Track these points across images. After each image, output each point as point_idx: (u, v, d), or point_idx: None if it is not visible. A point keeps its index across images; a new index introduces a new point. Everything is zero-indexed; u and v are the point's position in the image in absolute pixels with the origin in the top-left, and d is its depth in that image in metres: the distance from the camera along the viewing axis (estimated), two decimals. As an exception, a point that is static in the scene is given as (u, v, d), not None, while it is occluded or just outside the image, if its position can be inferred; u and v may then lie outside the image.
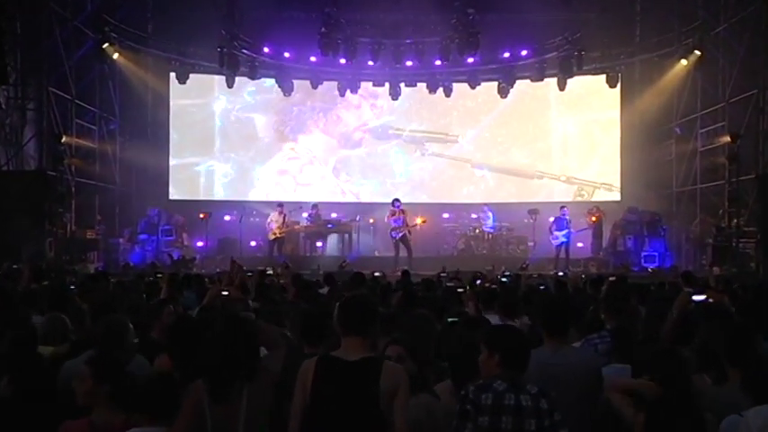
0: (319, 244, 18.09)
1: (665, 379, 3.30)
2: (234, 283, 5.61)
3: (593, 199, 18.75)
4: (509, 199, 19.45)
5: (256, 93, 19.98)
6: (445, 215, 19.41)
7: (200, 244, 17.93)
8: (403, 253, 16.19)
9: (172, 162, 19.31)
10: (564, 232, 16.18)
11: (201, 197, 19.44)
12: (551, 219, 16.60)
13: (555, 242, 16.23)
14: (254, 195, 19.45)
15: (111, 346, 3.68)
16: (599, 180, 19.42)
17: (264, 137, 20.12)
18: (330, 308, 4.76)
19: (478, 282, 8.77)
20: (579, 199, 19.00)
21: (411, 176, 20.28)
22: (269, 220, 16.72)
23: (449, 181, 20.19)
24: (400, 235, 16.06)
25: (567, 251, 16.22)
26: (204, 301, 5.77)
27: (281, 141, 20.18)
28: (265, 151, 20.11)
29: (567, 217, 16.34)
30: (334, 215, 18.71)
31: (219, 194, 19.81)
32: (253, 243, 18.06)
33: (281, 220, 16.58)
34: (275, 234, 16.57)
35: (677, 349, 3.67)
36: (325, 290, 8.26)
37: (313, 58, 18.54)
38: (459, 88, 19.28)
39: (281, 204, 16.86)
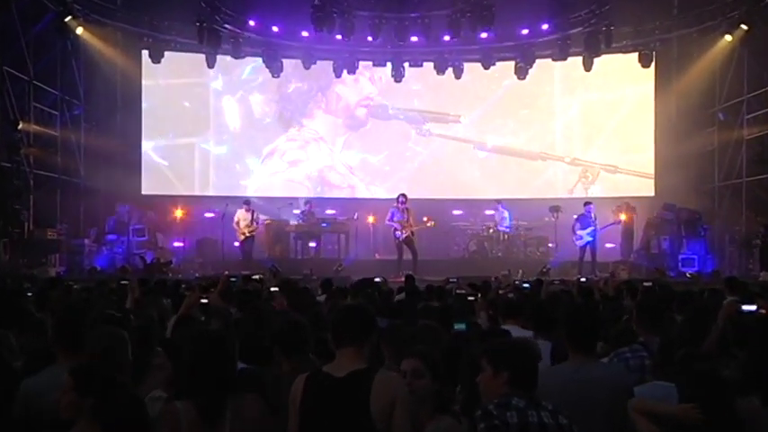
0: (312, 245, 18.10)
1: (705, 403, 3.27)
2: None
3: (622, 194, 18.69)
4: (520, 188, 19.57)
5: (241, 74, 20.02)
6: (455, 212, 19.43)
7: (176, 245, 17.92)
8: (407, 256, 16.18)
9: (145, 153, 19.33)
10: (589, 230, 16.11)
11: (179, 192, 19.46)
12: (575, 216, 16.58)
13: (579, 243, 16.19)
14: (239, 190, 19.47)
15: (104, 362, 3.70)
16: (632, 174, 19.40)
17: (255, 124, 20.13)
18: (323, 318, 4.72)
19: (499, 290, 8.75)
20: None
21: (411, 163, 20.34)
22: (236, 219, 16.72)
23: (451, 165, 20.31)
24: (404, 235, 16.06)
25: (593, 253, 16.19)
26: (181, 311, 5.78)
27: (272, 132, 20.22)
28: (253, 142, 20.12)
29: (593, 214, 16.27)
30: (330, 212, 18.75)
31: (199, 189, 19.83)
32: (237, 244, 18.04)
33: (248, 218, 16.60)
34: (244, 234, 16.56)
35: (720, 369, 3.65)
36: (322, 298, 8.28)
37: (305, 33, 18.53)
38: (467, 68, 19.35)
39: (247, 201, 16.91)
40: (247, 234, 16.54)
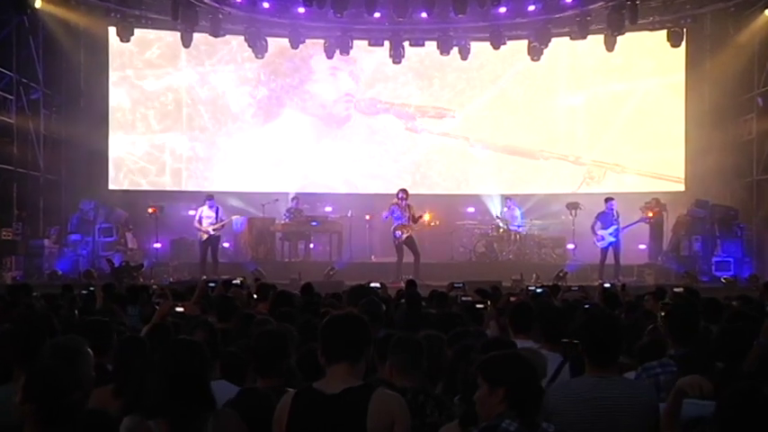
0: (301, 246, 18.07)
1: (747, 425, 3.25)
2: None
3: (650, 189, 18.70)
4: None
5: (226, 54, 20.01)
6: (461, 210, 19.42)
7: (151, 246, 17.92)
8: (408, 258, 16.18)
9: (112, 143, 19.27)
10: (611, 230, 16.09)
11: (151, 186, 19.41)
12: (595, 215, 16.54)
13: (600, 244, 16.16)
14: (219, 185, 19.44)
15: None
16: (659, 169, 19.38)
17: (234, 114, 20.11)
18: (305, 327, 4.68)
19: (510, 297, 8.72)
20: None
21: (407, 157, 20.38)
22: (197, 215, 16.63)
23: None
24: (405, 236, 16.04)
25: (616, 255, 16.17)
26: (153, 320, 5.79)
27: (259, 118, 20.19)
28: (237, 130, 20.09)
29: (615, 211, 16.22)
30: (328, 209, 18.70)
31: (175, 183, 19.79)
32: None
33: (212, 215, 16.56)
34: (207, 233, 16.40)
35: (762, 386, 3.61)
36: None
37: (301, 10, 18.44)
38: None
39: (211, 197, 16.82)
40: (211, 232, 16.47)
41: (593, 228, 16.29)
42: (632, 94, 19.75)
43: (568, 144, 20.15)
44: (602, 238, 16.14)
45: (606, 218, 16.21)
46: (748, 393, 3.31)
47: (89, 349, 4.07)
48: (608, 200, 16.44)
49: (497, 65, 20.23)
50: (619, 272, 15.95)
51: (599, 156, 19.91)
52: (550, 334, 5.21)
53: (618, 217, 16.23)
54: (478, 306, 6.93)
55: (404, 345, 4.21)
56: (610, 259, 16.18)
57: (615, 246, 16.14)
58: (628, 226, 16.56)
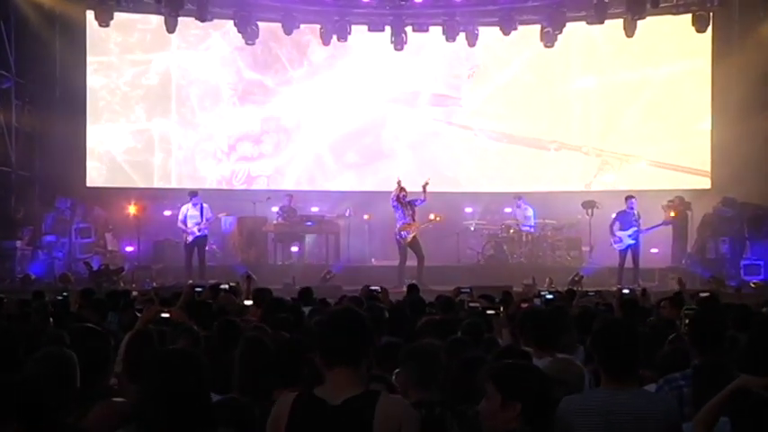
0: (295, 249, 18.09)
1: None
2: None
3: (673, 187, 18.65)
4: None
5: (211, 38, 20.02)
6: (467, 209, 19.44)
7: (129, 249, 17.94)
8: (410, 261, 16.20)
9: (91, 135, 19.26)
10: (631, 232, 16.07)
11: (133, 183, 19.40)
12: (613, 214, 16.52)
13: (618, 246, 16.15)
14: (207, 182, 19.43)
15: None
16: (683, 161, 19.34)
17: (222, 108, 20.09)
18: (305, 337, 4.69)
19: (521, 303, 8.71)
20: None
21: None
22: (181, 215, 16.61)
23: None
24: (410, 236, 16.01)
25: (635, 258, 16.16)
26: (136, 327, 5.80)
27: (242, 117, 20.17)
28: (221, 128, 20.06)
29: (636, 211, 16.22)
30: (315, 209, 18.70)
31: (159, 180, 19.76)
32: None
33: (197, 214, 16.53)
34: (192, 234, 16.45)
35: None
36: (305, 310, 8.26)
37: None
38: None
39: (195, 194, 16.78)
40: (197, 233, 16.47)
41: (611, 228, 16.28)
42: (652, 83, 19.66)
43: (582, 135, 20.08)
44: (620, 240, 16.13)
45: (626, 218, 16.20)
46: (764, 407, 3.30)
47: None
48: (629, 198, 16.42)
49: (506, 51, 20.16)
50: (638, 276, 15.95)
51: (616, 147, 19.83)
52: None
53: (639, 218, 16.20)
54: (489, 312, 6.92)
55: (418, 355, 4.23)
56: (629, 262, 16.17)
57: (634, 249, 16.12)
58: (649, 229, 16.52)
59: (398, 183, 16.16)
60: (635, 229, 16.11)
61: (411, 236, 16.01)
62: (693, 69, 19.46)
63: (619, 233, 16.12)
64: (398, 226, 16.05)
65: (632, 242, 16.10)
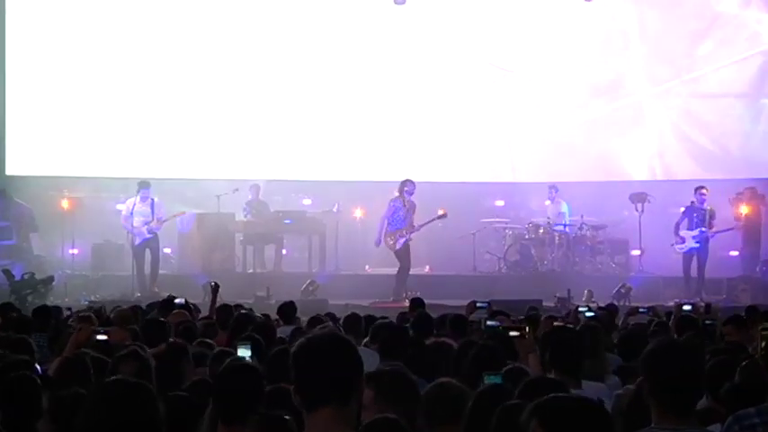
0: (270, 252, 18.08)
1: None
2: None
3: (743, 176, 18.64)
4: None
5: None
6: (486, 204, 19.47)
7: (65, 252, 17.87)
8: (415, 269, 16.31)
9: (11, 113, 19.18)
10: (696, 233, 16.04)
11: (64, 172, 19.31)
12: (681, 209, 16.52)
13: (680, 248, 16.15)
14: (158, 169, 19.34)
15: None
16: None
17: (186, 70, 20.03)
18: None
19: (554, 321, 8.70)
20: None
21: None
22: (126, 211, 16.67)
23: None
24: (402, 242, 16.08)
25: (699, 266, 16.12)
26: (66, 351, 5.87)
27: (203, 87, 20.12)
28: (177, 103, 19.99)
29: (706, 207, 16.20)
30: (306, 201, 18.71)
31: (98, 167, 19.63)
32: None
33: (147, 210, 16.57)
34: (140, 235, 16.51)
35: None
36: (287, 330, 8.22)
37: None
38: None
39: (145, 185, 16.72)
40: (147, 235, 16.49)
41: (676, 227, 16.25)
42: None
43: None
44: (683, 241, 16.12)
45: (694, 214, 16.18)
46: None
47: None
48: (698, 189, 16.37)
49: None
50: (702, 287, 15.96)
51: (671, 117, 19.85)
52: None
53: (711, 217, 16.18)
54: (512, 334, 6.88)
55: (445, 395, 4.29)
56: (693, 269, 16.16)
57: (700, 253, 16.10)
58: (717, 232, 16.48)
59: (413, 184, 16.21)
60: (701, 230, 16.10)
61: (402, 243, 16.12)
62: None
63: (684, 232, 16.13)
64: (394, 231, 16.16)
65: (696, 245, 16.09)
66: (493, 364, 5.40)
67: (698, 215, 16.17)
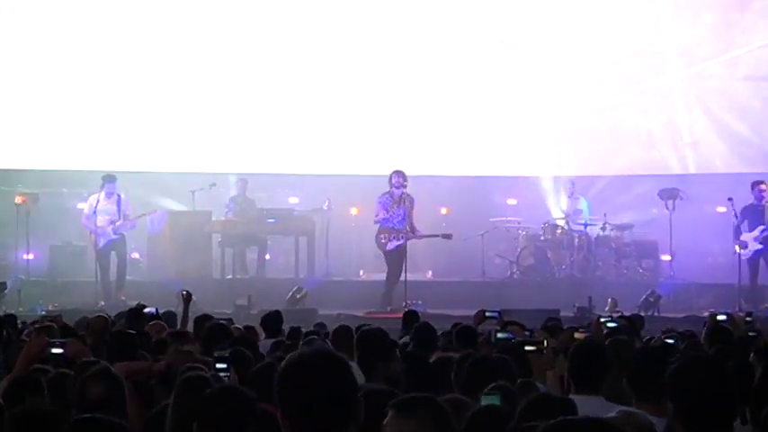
0: (252, 256, 18.17)
1: None
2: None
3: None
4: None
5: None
6: (496, 201, 19.52)
7: (18, 256, 17.88)
8: (413, 276, 16.33)
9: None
10: (758, 233, 16.01)
11: (18, 164, 19.35)
12: (736, 210, 16.41)
13: (744, 254, 16.03)
14: (126, 162, 19.35)
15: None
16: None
17: (163, 54, 20.08)
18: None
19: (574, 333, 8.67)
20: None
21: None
22: (89, 209, 16.71)
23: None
24: (396, 244, 16.08)
25: (754, 272, 16.06)
26: (15, 370, 5.83)
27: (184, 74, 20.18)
28: (158, 80, 20.03)
29: (766, 203, 16.13)
30: (293, 199, 18.74)
31: (57, 158, 19.65)
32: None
33: (113, 207, 16.61)
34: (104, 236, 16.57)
35: None
36: (267, 343, 8.27)
37: None
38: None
39: (110, 179, 16.76)
40: (113, 236, 16.54)
41: (736, 231, 16.16)
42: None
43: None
44: (746, 245, 16.04)
45: (754, 213, 16.17)
46: None
47: None
48: (756, 184, 16.32)
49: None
50: (759, 295, 15.99)
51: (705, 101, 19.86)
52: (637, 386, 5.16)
53: None
54: (528, 348, 6.83)
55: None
56: (746, 276, 16.08)
57: (766, 255, 16.03)
58: None
59: (403, 176, 16.19)
60: (763, 228, 16.06)
61: (397, 245, 16.15)
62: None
63: (745, 236, 16.09)
64: (386, 231, 16.24)
65: (759, 247, 16.05)
66: (493, 380, 5.38)
67: (757, 213, 16.13)
